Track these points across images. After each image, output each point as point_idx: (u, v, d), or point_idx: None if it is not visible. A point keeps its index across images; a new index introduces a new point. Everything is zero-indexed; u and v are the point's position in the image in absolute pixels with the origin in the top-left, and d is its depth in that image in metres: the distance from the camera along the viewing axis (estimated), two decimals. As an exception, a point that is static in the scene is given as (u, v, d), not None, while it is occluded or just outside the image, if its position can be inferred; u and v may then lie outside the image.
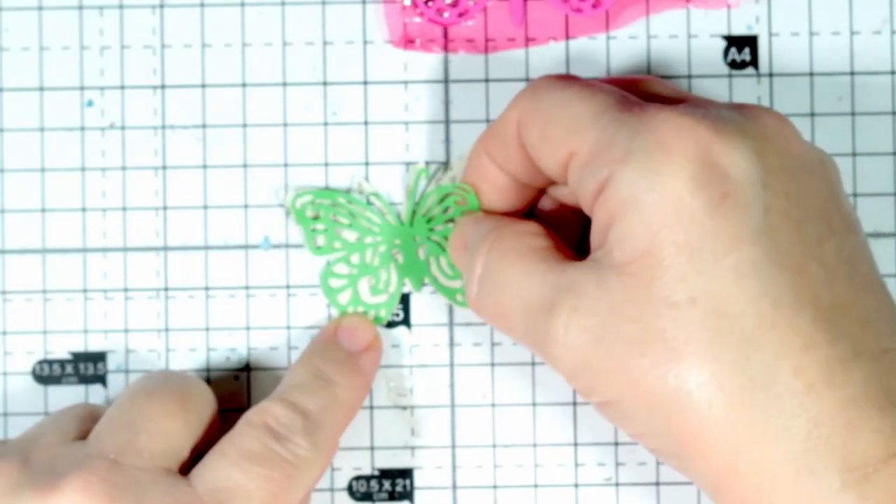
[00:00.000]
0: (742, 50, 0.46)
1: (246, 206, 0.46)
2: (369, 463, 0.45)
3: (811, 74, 0.46)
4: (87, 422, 0.42)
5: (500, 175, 0.42)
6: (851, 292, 0.37)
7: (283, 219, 0.46)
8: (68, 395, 0.45)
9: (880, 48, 0.46)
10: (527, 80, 0.46)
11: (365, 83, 0.46)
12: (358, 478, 0.45)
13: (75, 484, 0.38)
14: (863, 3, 0.46)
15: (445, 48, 0.46)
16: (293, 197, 0.45)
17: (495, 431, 0.45)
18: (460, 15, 0.46)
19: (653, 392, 0.36)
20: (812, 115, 0.45)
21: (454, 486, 0.45)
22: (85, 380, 0.45)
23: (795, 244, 0.36)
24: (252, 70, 0.46)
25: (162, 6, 0.46)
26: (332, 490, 0.45)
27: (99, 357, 0.45)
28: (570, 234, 0.43)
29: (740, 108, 0.39)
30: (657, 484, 0.45)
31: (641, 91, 0.41)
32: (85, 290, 0.46)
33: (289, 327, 0.46)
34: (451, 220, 0.44)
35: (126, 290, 0.46)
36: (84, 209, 0.46)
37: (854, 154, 0.45)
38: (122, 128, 0.46)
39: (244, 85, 0.46)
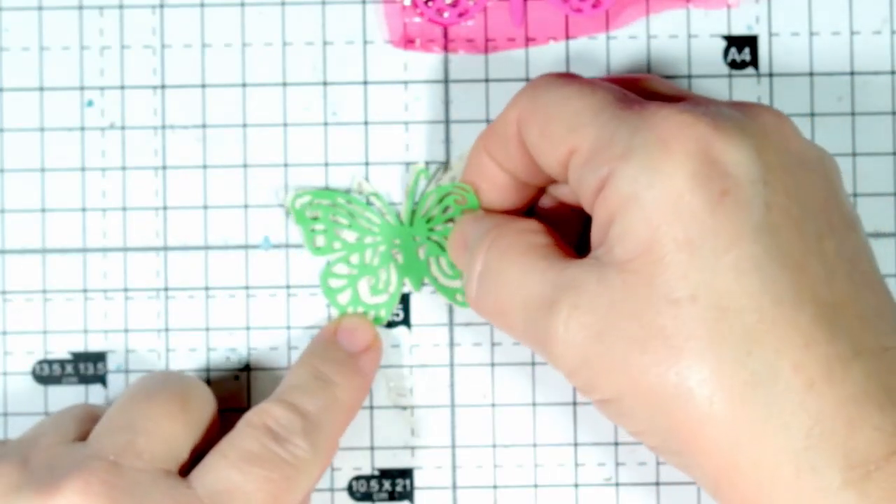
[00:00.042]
0: (742, 50, 0.46)
1: (246, 206, 0.46)
2: (369, 463, 0.45)
3: (811, 74, 0.46)
4: (86, 422, 0.42)
5: (500, 174, 0.42)
6: (851, 290, 0.37)
7: (283, 219, 0.46)
8: (68, 396, 0.45)
9: (880, 48, 0.46)
10: (527, 79, 0.46)
11: (365, 83, 0.46)
12: (358, 478, 0.45)
13: (75, 485, 0.38)
14: (863, 3, 0.46)
15: (445, 48, 0.46)
16: (293, 197, 0.45)
17: (495, 431, 0.45)
18: (460, 15, 0.46)
19: (653, 389, 0.36)
20: (812, 114, 0.45)
21: (454, 486, 0.45)
22: (85, 380, 0.45)
23: (795, 241, 0.36)
24: (252, 70, 0.46)
25: (162, 6, 0.46)
26: (332, 490, 0.45)
27: (99, 357, 0.45)
28: (570, 232, 0.43)
29: (740, 106, 0.39)
30: (657, 484, 0.45)
31: (641, 89, 0.41)
32: (85, 290, 0.45)
33: (289, 327, 0.45)
34: (451, 220, 0.44)
35: (126, 290, 0.45)
36: (84, 209, 0.46)
37: (854, 154, 0.45)
38: (122, 128, 0.46)
39: (244, 85, 0.46)
